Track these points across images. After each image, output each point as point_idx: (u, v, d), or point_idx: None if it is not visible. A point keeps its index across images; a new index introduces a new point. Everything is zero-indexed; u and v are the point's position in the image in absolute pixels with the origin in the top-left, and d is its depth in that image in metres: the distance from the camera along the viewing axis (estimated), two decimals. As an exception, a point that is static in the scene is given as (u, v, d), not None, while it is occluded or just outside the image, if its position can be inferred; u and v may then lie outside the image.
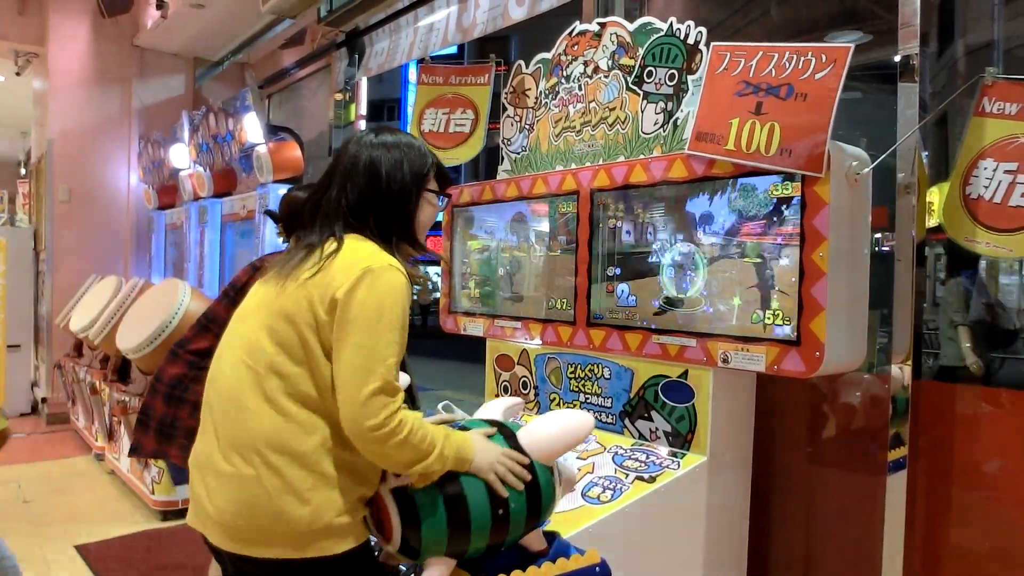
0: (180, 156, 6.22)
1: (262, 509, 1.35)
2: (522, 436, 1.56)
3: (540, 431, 1.56)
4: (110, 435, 4.95)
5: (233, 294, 2.47)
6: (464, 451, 1.42)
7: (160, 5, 6.13)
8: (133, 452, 2.60)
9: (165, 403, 2.50)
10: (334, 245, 1.45)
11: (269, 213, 2.76)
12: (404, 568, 1.58)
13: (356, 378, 1.33)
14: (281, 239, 2.61)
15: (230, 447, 1.40)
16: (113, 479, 4.91)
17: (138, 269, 7.03)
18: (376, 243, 1.49)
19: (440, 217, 1.92)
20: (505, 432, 1.56)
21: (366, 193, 1.52)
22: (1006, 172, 1.96)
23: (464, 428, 1.54)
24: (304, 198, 2.54)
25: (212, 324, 2.50)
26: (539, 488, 1.50)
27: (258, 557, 1.37)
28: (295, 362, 1.39)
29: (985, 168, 2.00)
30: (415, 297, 1.51)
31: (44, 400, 6.86)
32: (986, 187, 1.99)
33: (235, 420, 1.41)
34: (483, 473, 1.44)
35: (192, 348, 2.53)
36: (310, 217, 1.55)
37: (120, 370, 4.88)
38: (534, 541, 1.58)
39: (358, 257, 1.43)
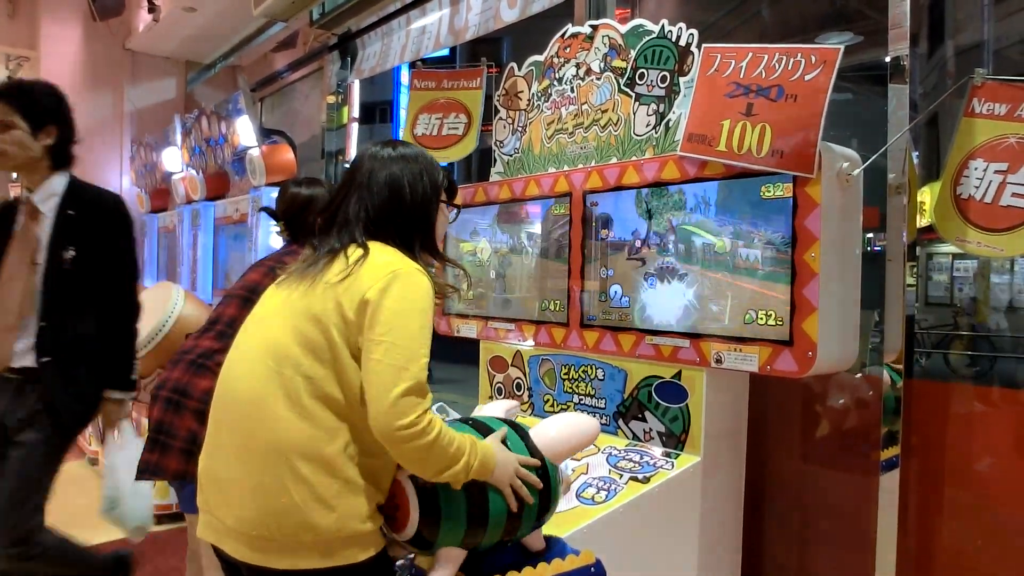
0: (172, 160, 6.21)
1: (288, 518, 1.32)
2: (534, 435, 1.57)
3: (551, 432, 1.58)
4: (103, 439, 4.92)
5: (247, 294, 2.28)
6: (488, 461, 1.42)
7: (152, 8, 6.11)
8: (152, 475, 2.26)
9: (198, 420, 2.15)
10: (360, 251, 1.45)
11: (266, 210, 2.63)
12: (399, 568, 1.58)
13: (388, 377, 1.31)
14: (283, 237, 2.48)
15: (249, 454, 1.36)
16: (106, 484, 4.89)
17: (131, 273, 6.99)
18: (400, 250, 1.50)
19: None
20: (520, 432, 1.57)
21: (389, 207, 1.52)
22: (996, 172, 1.97)
23: (479, 424, 1.55)
24: (306, 195, 2.49)
25: (229, 329, 2.25)
26: (551, 487, 1.53)
27: (283, 568, 1.34)
28: (321, 364, 1.37)
29: (976, 168, 2.01)
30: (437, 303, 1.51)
31: (37, 405, 6.81)
32: (976, 187, 2.00)
33: (255, 426, 1.37)
34: (501, 485, 1.44)
35: (220, 360, 2.23)
36: (326, 226, 1.54)
37: (113, 374, 4.84)
38: (534, 541, 1.60)
39: (385, 260, 1.44)
